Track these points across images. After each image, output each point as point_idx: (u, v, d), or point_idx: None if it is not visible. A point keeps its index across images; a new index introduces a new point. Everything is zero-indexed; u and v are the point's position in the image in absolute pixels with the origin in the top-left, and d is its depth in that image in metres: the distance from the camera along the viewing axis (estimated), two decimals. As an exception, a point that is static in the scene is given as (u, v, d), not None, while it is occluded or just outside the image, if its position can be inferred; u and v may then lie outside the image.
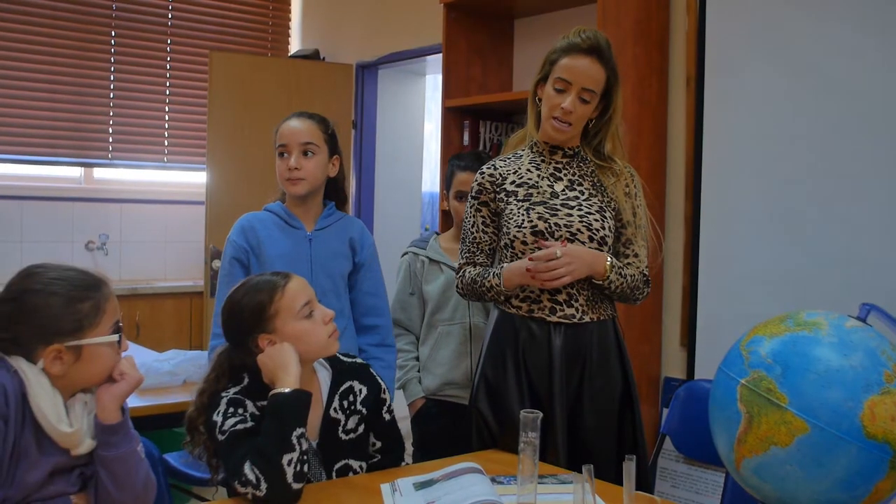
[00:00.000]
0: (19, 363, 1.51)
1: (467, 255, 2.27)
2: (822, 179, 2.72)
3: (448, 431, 2.41)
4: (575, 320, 2.13)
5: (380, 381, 1.98)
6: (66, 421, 1.53)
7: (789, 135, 2.80)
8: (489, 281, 2.16)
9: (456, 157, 2.75)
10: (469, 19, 3.61)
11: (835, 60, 2.69)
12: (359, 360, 2.01)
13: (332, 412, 1.88)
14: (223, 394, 1.79)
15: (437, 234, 2.79)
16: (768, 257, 2.84)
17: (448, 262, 2.66)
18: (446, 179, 2.72)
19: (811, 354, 1.48)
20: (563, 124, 2.12)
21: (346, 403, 1.90)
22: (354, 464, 1.89)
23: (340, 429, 1.89)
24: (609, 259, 2.10)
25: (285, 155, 2.33)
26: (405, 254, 2.75)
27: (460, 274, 2.27)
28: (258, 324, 1.78)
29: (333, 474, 1.87)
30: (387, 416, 1.97)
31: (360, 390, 1.93)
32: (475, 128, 3.57)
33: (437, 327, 2.64)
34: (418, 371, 2.65)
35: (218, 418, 1.74)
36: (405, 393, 2.64)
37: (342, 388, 1.90)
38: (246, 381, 1.82)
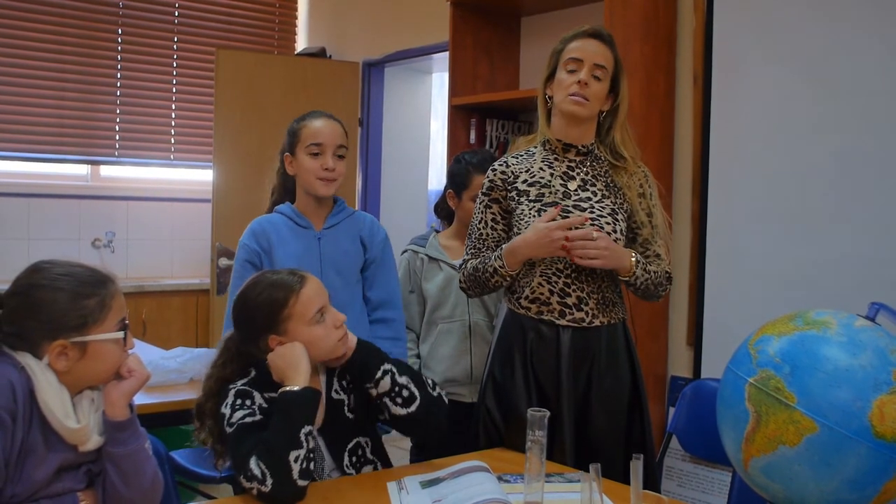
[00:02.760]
0: (26, 359, 1.51)
1: (472, 250, 2.26)
2: (830, 178, 2.71)
3: (448, 429, 2.40)
4: (585, 324, 2.12)
5: None
6: (73, 417, 1.53)
7: (797, 133, 2.79)
8: (491, 265, 2.15)
9: (469, 154, 2.68)
10: (476, 17, 3.61)
11: (842, 58, 2.68)
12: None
13: (333, 394, 1.90)
14: (231, 385, 1.80)
15: (437, 231, 2.77)
16: (776, 256, 2.83)
17: (447, 259, 2.65)
18: (459, 179, 2.65)
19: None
20: (580, 98, 2.11)
21: (344, 383, 1.93)
22: (362, 440, 1.92)
23: (346, 408, 1.91)
24: (635, 255, 2.11)
25: (319, 154, 2.33)
26: (405, 251, 2.74)
27: (463, 268, 2.27)
28: (270, 325, 1.79)
29: (346, 455, 1.88)
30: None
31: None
32: (482, 126, 3.57)
33: (437, 325, 2.63)
34: (419, 368, 2.65)
35: (226, 410, 1.75)
36: None
37: (338, 370, 1.93)
38: (253, 373, 1.84)
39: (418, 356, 2.67)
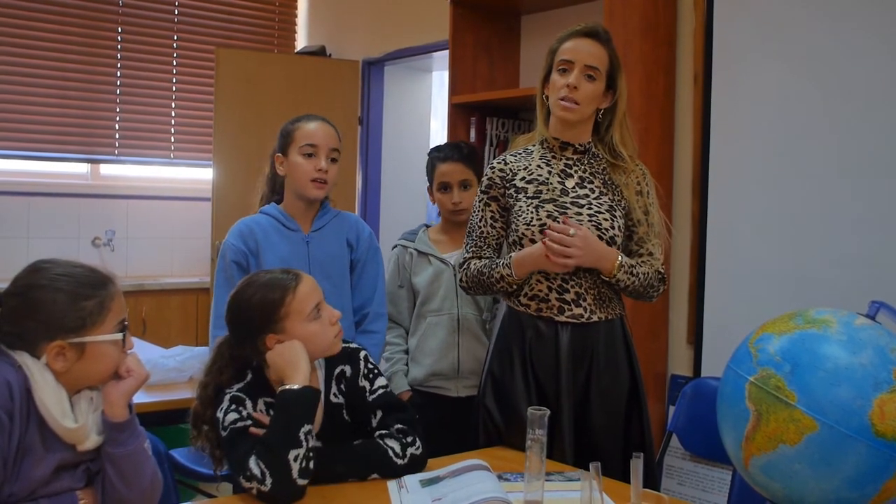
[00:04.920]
0: (24, 358, 1.51)
1: (473, 248, 2.25)
2: (830, 177, 2.71)
3: (434, 423, 2.41)
4: (583, 320, 2.12)
5: (362, 366, 1.94)
6: (70, 416, 1.53)
7: (797, 132, 2.79)
8: (498, 271, 2.15)
9: (435, 150, 2.75)
10: (476, 16, 3.60)
11: (842, 57, 2.68)
12: (352, 345, 2.00)
13: (332, 398, 1.90)
14: (227, 390, 1.80)
15: (427, 226, 2.79)
16: (776, 255, 2.83)
17: (436, 253, 2.66)
18: (428, 173, 2.73)
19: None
20: (570, 103, 2.11)
21: (342, 387, 1.92)
22: None
23: (344, 412, 1.91)
24: (620, 258, 2.09)
25: (313, 156, 2.33)
26: (395, 247, 2.76)
27: (464, 267, 2.26)
28: (267, 324, 1.79)
29: None
30: (370, 398, 1.91)
31: (350, 374, 1.94)
32: (482, 124, 3.57)
33: (426, 318, 2.64)
34: (405, 364, 2.66)
35: (220, 414, 1.76)
36: (391, 385, 2.65)
37: (335, 373, 1.92)
38: (249, 377, 1.83)
39: (406, 351, 2.67)
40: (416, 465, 1.84)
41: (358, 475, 1.81)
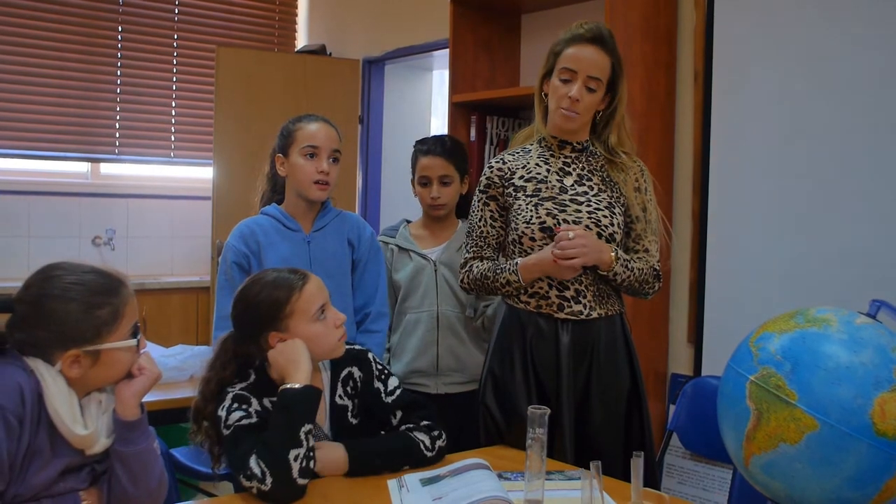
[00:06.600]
0: (37, 364, 1.50)
1: (474, 249, 2.26)
2: (831, 175, 2.70)
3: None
4: (583, 316, 2.12)
5: (374, 368, 1.98)
6: (81, 422, 1.52)
7: (797, 130, 2.79)
8: (504, 276, 2.15)
9: (420, 142, 2.73)
10: (476, 14, 3.60)
11: (843, 55, 2.68)
12: (357, 347, 2.02)
13: (337, 399, 1.90)
14: (229, 388, 1.80)
15: (407, 221, 2.78)
16: (776, 253, 2.83)
17: (417, 249, 2.65)
18: (412, 165, 2.70)
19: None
20: (571, 113, 2.12)
21: (349, 389, 1.93)
22: None
23: (349, 414, 1.91)
24: (615, 251, 2.10)
25: (315, 157, 2.33)
26: None
27: (466, 269, 2.26)
28: (271, 322, 1.79)
29: None
30: (389, 399, 1.96)
31: (359, 377, 1.95)
32: (482, 123, 3.56)
33: (406, 315, 2.64)
34: (388, 363, 2.65)
35: (223, 413, 1.76)
36: None
37: (342, 375, 1.93)
38: (252, 377, 1.83)
39: (388, 349, 2.67)
40: (441, 457, 1.90)
41: (392, 467, 1.84)
